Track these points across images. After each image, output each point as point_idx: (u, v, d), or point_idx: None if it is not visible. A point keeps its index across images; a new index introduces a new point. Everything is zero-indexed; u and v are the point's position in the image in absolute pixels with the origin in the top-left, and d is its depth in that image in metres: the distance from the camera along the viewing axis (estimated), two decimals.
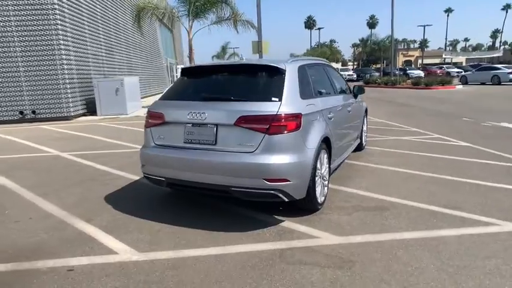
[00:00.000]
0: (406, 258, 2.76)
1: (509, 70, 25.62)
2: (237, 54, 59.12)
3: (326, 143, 3.76)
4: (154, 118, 3.67)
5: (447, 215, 3.54)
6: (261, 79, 3.55)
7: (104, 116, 12.78)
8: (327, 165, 3.88)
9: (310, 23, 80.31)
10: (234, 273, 2.65)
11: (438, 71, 41.76)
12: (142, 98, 15.03)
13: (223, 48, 48.87)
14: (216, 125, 3.28)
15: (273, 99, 3.25)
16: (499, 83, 25.24)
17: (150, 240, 3.20)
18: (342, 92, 5.17)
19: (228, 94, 3.41)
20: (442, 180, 4.66)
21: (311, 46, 71.45)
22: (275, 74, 3.49)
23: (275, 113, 3.12)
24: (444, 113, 11.56)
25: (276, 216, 3.61)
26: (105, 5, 16.26)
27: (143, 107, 15.79)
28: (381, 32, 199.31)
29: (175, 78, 39.66)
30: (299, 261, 2.76)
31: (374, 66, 59.51)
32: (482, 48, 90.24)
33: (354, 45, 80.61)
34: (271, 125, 3.10)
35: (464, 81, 27.17)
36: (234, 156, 3.18)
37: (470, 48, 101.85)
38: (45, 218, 3.78)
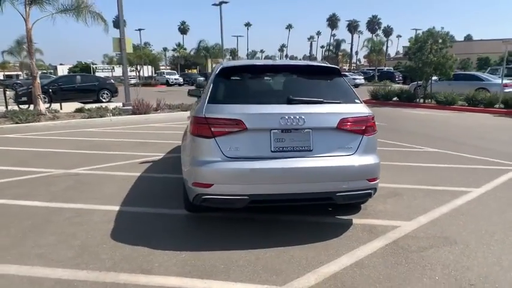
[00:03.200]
0: (474, 226, 3.49)
1: (355, 76, 33.68)
2: (40, 51, 48.99)
3: None
4: (224, 125, 3.04)
5: (442, 191, 4.51)
6: (330, 80, 3.53)
7: None
8: None
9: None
10: (392, 272, 2.69)
11: None
12: None
13: (19, 43, 39.49)
14: (311, 129, 3.11)
15: (356, 101, 3.36)
16: None
17: (265, 271, 2.73)
18: None
19: (312, 96, 3.25)
20: (394, 166, 5.78)
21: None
22: (336, 75, 3.57)
23: (367, 114, 3.25)
24: None
25: (338, 217, 3.71)
26: None
27: None
28: (194, 38, 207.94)
29: None
30: (422, 248, 3.06)
31: (189, 71, 62.07)
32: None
33: (165, 49, 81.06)
34: (366, 126, 3.21)
35: None
36: (336, 160, 3.11)
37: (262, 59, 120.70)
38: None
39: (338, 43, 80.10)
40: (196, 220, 3.70)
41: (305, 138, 3.10)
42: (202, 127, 3.10)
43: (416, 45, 15.97)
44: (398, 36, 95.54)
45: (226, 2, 28.46)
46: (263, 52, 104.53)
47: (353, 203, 3.73)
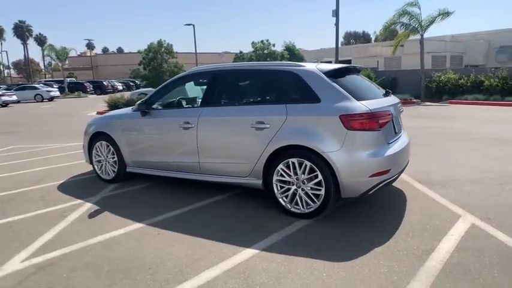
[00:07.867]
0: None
1: (49, 89, 30.83)
2: None
3: None
4: (384, 117, 3.51)
5: None
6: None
7: None
8: None
9: None
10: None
11: None
12: None
13: None
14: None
15: None
16: (42, 100, 29.14)
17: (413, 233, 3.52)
18: None
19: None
20: None
21: None
22: None
23: None
24: None
25: None
26: None
27: None
28: None
29: None
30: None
31: None
32: None
33: None
34: None
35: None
36: (406, 136, 4.18)
37: None
38: None
39: None
40: (310, 226, 3.47)
41: (397, 122, 4.02)
42: (371, 121, 3.36)
43: (149, 54, 17.08)
44: (50, 45, 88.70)
45: None
46: None
47: None
